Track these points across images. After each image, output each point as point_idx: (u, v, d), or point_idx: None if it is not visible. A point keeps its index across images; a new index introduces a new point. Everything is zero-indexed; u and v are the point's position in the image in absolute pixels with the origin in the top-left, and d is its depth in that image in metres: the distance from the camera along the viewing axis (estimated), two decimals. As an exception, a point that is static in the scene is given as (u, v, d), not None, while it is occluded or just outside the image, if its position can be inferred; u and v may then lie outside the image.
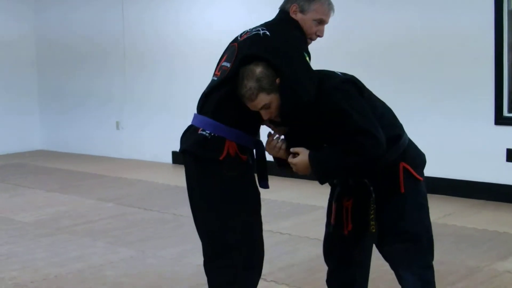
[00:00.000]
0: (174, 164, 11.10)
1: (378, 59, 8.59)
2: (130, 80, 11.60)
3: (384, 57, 8.54)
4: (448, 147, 7.91)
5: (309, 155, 3.51)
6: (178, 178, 9.68)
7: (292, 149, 3.58)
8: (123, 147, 11.86)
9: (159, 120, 11.25)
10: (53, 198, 8.67)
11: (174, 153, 11.07)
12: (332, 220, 3.81)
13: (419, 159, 3.78)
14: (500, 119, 7.78)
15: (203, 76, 10.32)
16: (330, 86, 3.53)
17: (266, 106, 3.53)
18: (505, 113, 7.85)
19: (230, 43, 3.87)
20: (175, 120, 10.86)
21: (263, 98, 3.50)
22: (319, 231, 6.57)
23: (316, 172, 3.52)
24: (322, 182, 3.65)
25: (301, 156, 3.54)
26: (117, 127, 11.90)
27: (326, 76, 3.61)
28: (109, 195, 8.73)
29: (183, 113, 10.60)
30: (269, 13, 4.09)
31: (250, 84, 3.49)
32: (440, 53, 8.12)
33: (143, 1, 11.23)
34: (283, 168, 3.79)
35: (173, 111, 10.96)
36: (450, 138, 7.92)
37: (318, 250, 6.03)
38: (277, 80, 3.51)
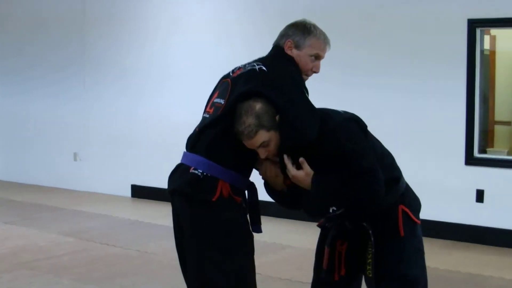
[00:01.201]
0: (133, 198, 10.85)
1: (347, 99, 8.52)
2: (89, 110, 11.35)
3: (358, 97, 8.46)
4: (418, 187, 7.65)
5: (313, 174, 3.38)
6: (138, 212, 9.54)
7: (300, 160, 3.41)
8: (81, 179, 11.57)
9: (118, 152, 11.02)
10: (12, 231, 8.37)
11: (133, 186, 10.84)
12: (324, 265, 3.65)
13: (416, 203, 3.74)
14: (470, 160, 7.75)
15: (164, 108, 10.41)
16: (334, 125, 3.42)
17: (265, 144, 3.38)
18: (476, 153, 7.82)
19: (221, 79, 3.73)
20: (134, 153, 10.69)
21: (263, 136, 3.36)
22: (291, 271, 6.53)
23: (314, 193, 3.38)
24: (312, 211, 3.49)
25: (305, 172, 3.39)
26: (75, 159, 11.64)
27: (328, 114, 3.49)
28: (69, 229, 8.45)
29: (144, 145, 10.53)
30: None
31: (249, 121, 3.34)
32: (411, 92, 8.07)
33: (105, 32, 11.01)
34: (269, 191, 3.65)
35: (133, 144, 10.73)
36: (420, 178, 7.83)
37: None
38: (277, 117, 3.37)
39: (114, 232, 8.38)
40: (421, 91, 7.99)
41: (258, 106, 3.36)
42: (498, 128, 9.22)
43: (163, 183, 10.22)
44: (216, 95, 3.64)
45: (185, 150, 3.67)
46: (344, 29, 8.32)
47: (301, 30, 3.65)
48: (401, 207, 3.56)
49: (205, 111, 3.67)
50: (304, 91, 3.51)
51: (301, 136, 3.34)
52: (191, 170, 3.48)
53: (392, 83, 8.18)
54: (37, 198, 10.78)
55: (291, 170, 3.41)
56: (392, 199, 3.53)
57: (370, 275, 3.51)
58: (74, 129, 11.59)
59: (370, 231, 3.48)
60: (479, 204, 7.70)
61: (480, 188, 7.71)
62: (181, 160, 3.64)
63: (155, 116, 10.43)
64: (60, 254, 7.18)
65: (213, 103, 3.60)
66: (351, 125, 3.46)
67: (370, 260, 3.50)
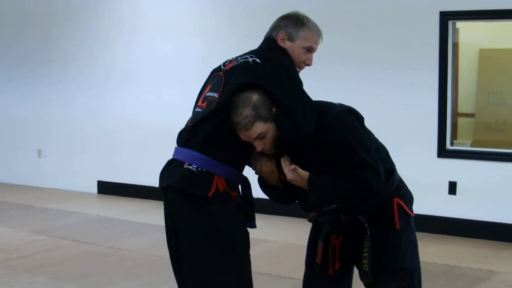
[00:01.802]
0: (99, 194, 10.71)
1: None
2: (52, 106, 11.18)
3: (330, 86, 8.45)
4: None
5: (310, 175, 3.34)
6: (107, 209, 9.44)
7: (292, 167, 3.37)
8: (46, 176, 11.40)
9: (84, 148, 10.87)
10: (-17, 230, 8.23)
11: (99, 182, 10.71)
12: (318, 260, 3.62)
13: (409, 195, 3.76)
14: (443, 152, 7.78)
15: (128, 104, 10.28)
16: (332, 116, 3.40)
17: (261, 136, 3.34)
18: (448, 145, 7.86)
19: (213, 73, 3.68)
20: (100, 149, 10.56)
21: (260, 127, 3.31)
22: (270, 266, 6.48)
23: (312, 193, 3.35)
24: (312, 209, 3.46)
25: (300, 177, 3.36)
26: (39, 155, 11.46)
27: (325, 106, 3.47)
28: (40, 227, 8.30)
29: (109, 141, 10.40)
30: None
31: (246, 112, 3.29)
32: (384, 84, 8.08)
33: (70, 28, 10.85)
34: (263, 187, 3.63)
35: (99, 139, 10.61)
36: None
37: (271, 285, 5.91)
38: (274, 109, 3.33)
39: (85, 229, 8.27)
40: (394, 83, 8.00)
41: (255, 97, 3.31)
42: (461, 120, 9.29)
43: (130, 179, 10.23)
44: (208, 88, 3.58)
45: (176, 146, 3.59)
46: (318, 22, 8.27)
47: (294, 22, 3.61)
48: (396, 200, 3.57)
49: (196, 106, 3.60)
50: (300, 83, 3.48)
51: (298, 128, 3.31)
52: (186, 166, 3.42)
53: (365, 75, 8.17)
54: (3, 196, 10.59)
55: (288, 174, 3.38)
56: (388, 192, 3.52)
57: (367, 269, 3.48)
58: (38, 126, 11.41)
59: (366, 225, 3.45)
60: (451, 196, 7.74)
61: (453, 180, 7.75)
62: (174, 156, 3.57)
63: (120, 112, 10.31)
64: (33, 252, 7.06)
65: (206, 97, 3.54)
66: (348, 117, 3.44)
67: (366, 254, 3.47)
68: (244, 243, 3.53)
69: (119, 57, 10.32)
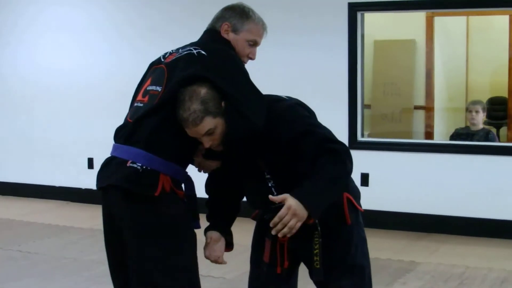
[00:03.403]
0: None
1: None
2: None
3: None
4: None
5: (295, 195, 3.09)
6: (5, 210, 8.95)
7: (273, 199, 3.12)
8: None
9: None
10: None
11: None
12: (266, 258, 3.49)
13: (357, 190, 3.70)
14: (354, 144, 7.77)
15: (25, 101, 9.89)
16: (281, 110, 3.29)
17: (210, 132, 3.18)
18: (359, 137, 7.88)
19: (152, 66, 3.51)
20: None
21: (209, 123, 3.15)
22: (207, 268, 6.20)
23: (313, 207, 3.12)
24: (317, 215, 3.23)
25: (290, 201, 3.08)
26: None
27: (273, 100, 3.35)
28: None
29: (3, 140, 9.97)
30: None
31: (194, 107, 3.13)
32: (292, 75, 8.01)
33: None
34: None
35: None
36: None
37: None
38: (223, 104, 3.18)
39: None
40: (302, 72, 7.95)
41: (203, 91, 3.16)
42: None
43: (25, 179, 9.77)
44: (148, 82, 3.39)
45: (114, 143, 3.40)
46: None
47: (239, 13, 3.49)
48: (345, 194, 3.49)
49: (136, 100, 3.42)
50: (248, 75, 3.34)
51: (249, 123, 3.17)
52: (129, 164, 3.22)
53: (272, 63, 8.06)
54: None
55: (283, 214, 3.08)
56: (339, 186, 3.43)
57: (318, 266, 3.37)
58: None
59: (316, 221, 3.34)
60: (364, 187, 7.74)
61: (365, 172, 7.76)
62: (112, 153, 3.36)
63: (13, 110, 9.91)
64: None
65: (147, 90, 3.35)
66: (298, 109, 3.35)
67: (317, 251, 3.36)
68: (193, 244, 3.37)
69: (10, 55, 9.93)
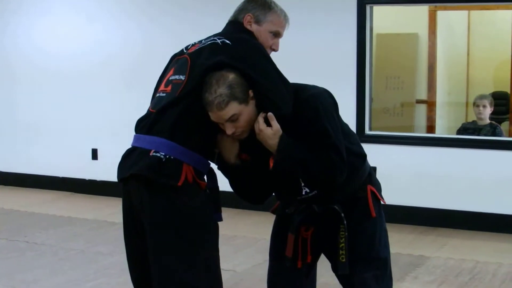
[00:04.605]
0: (-1, 186, 10.22)
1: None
2: None
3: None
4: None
5: (282, 134, 3.16)
6: (10, 200, 8.92)
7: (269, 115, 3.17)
8: None
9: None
10: None
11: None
12: (288, 253, 3.45)
13: (379, 183, 3.68)
14: (362, 137, 7.74)
15: (21, 92, 9.83)
16: (307, 96, 3.27)
17: (234, 118, 3.14)
18: (367, 131, 7.85)
19: (174, 57, 3.48)
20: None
21: (234, 108, 3.11)
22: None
23: (278, 152, 3.15)
24: (275, 166, 3.22)
25: (274, 130, 3.15)
26: None
27: (301, 87, 3.35)
28: None
29: (9, 130, 9.92)
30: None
31: (220, 90, 3.09)
32: (301, 68, 7.96)
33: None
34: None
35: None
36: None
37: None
38: (250, 92, 3.15)
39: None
40: (311, 66, 7.91)
41: (231, 76, 3.13)
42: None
43: (31, 169, 9.72)
44: (171, 72, 3.36)
45: (136, 134, 3.35)
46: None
47: (261, 5, 3.48)
48: (369, 187, 3.48)
49: (158, 90, 3.38)
50: (274, 63, 3.33)
51: (278, 109, 3.17)
52: (152, 153, 3.18)
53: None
54: None
55: (260, 124, 3.16)
56: (363, 177, 3.46)
57: (344, 260, 3.36)
58: None
59: (342, 214, 3.32)
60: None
61: (373, 165, 7.69)
62: (134, 144, 3.31)
63: (17, 99, 9.87)
64: None
65: (169, 80, 3.32)
66: (324, 98, 3.32)
67: (343, 245, 3.35)
68: (215, 236, 3.34)
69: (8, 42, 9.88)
